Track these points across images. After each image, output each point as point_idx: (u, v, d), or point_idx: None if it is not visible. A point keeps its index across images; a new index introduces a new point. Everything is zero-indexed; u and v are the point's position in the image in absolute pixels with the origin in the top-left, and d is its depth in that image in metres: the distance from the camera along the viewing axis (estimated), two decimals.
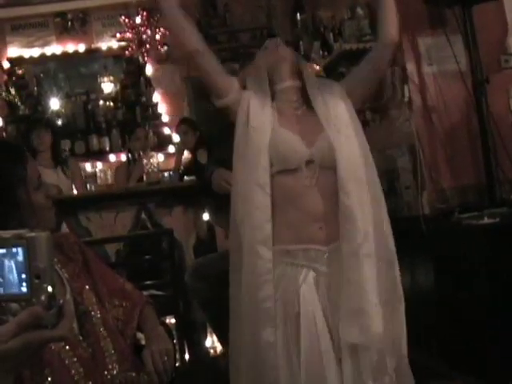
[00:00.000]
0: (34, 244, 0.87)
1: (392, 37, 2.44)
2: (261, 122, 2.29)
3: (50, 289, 0.87)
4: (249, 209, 2.22)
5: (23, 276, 0.86)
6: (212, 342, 4.21)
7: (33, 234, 0.87)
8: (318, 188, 2.24)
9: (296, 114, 2.36)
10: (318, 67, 4.59)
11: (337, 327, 2.15)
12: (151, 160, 4.71)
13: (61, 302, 0.88)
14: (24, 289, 0.86)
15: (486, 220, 3.36)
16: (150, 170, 4.52)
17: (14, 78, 6.67)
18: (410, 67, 3.93)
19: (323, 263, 2.22)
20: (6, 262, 0.87)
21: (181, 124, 5.65)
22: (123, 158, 6.53)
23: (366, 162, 2.28)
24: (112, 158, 6.54)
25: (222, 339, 3.81)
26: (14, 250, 0.87)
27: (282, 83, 2.39)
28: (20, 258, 0.87)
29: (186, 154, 5.59)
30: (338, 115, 2.31)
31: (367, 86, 2.50)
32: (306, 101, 2.38)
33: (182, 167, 5.63)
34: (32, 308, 0.86)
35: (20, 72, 6.69)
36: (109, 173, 6.22)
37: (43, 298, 0.86)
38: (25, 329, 0.85)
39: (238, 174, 2.30)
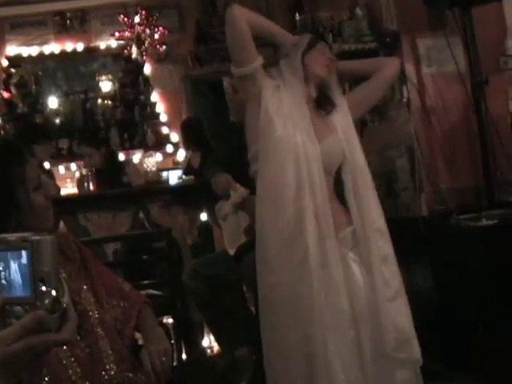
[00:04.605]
0: (38, 247, 0.86)
1: (388, 75, 2.64)
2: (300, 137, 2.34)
3: (53, 293, 0.86)
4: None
5: (27, 279, 0.86)
6: (209, 342, 4.21)
7: (38, 238, 0.86)
8: None
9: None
10: None
11: None
12: (149, 159, 4.70)
13: (64, 305, 0.88)
14: (28, 292, 0.86)
15: (484, 222, 3.36)
16: (148, 169, 4.51)
17: (12, 77, 6.64)
18: (409, 68, 3.93)
19: None
20: (11, 265, 0.86)
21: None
22: (121, 157, 6.52)
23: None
24: None
25: (219, 339, 3.81)
26: (19, 253, 0.86)
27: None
28: (24, 261, 0.86)
29: (189, 154, 5.54)
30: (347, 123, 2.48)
31: (370, 103, 2.70)
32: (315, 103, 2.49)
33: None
34: (36, 312, 0.85)
35: (18, 70, 6.67)
36: None
37: (47, 301, 0.85)
38: (28, 332, 0.84)
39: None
